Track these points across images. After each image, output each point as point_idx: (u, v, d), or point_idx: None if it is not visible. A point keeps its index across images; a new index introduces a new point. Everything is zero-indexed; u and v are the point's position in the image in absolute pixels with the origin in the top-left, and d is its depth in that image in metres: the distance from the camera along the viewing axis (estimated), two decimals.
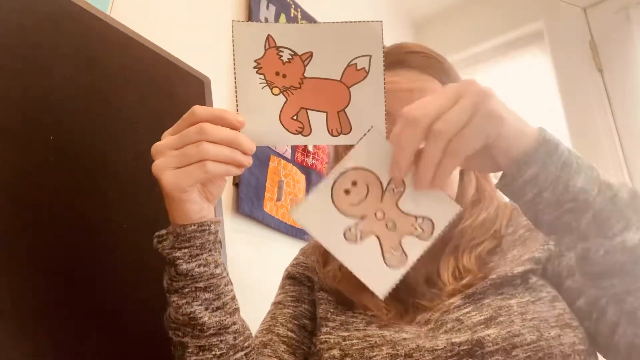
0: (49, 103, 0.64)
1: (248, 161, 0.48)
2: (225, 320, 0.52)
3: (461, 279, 0.58)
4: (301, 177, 1.44)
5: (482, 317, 0.52)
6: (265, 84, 0.48)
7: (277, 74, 0.48)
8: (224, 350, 0.52)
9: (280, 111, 0.48)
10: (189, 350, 0.51)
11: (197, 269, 0.50)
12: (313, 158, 1.51)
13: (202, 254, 0.51)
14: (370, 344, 0.54)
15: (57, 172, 0.61)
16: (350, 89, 0.48)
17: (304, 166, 1.47)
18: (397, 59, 0.65)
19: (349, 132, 0.49)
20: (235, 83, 0.48)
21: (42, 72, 0.64)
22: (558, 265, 0.58)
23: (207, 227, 0.51)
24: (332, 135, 0.49)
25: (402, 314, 0.59)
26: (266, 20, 1.43)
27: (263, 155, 1.31)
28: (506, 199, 0.68)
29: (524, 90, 2.09)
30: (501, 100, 0.44)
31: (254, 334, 0.67)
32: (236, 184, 1.22)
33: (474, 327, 0.52)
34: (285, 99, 0.48)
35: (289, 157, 1.41)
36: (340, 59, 0.48)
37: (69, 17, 0.71)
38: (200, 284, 0.51)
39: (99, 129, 0.70)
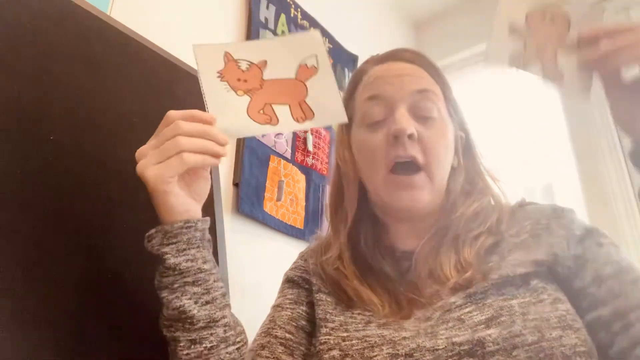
0: (49, 103, 0.64)
1: (223, 151, 0.53)
2: (214, 314, 0.54)
3: (463, 272, 0.58)
4: (301, 177, 1.44)
5: (483, 317, 0.52)
6: (230, 88, 0.55)
7: (239, 80, 0.55)
8: (215, 343, 0.53)
9: (247, 107, 0.55)
10: (181, 344, 0.52)
11: (184, 264, 0.52)
12: (313, 158, 1.51)
13: (189, 249, 0.53)
14: (370, 344, 0.55)
15: (57, 172, 0.61)
16: (306, 82, 0.56)
17: (304, 166, 1.47)
18: (388, 54, 0.72)
19: (312, 117, 0.56)
20: (203, 92, 0.54)
21: (42, 72, 0.64)
22: (580, 269, 0.57)
23: (194, 224, 0.54)
24: (297, 122, 0.56)
25: (396, 310, 0.59)
26: (266, 20, 1.43)
27: (263, 155, 1.31)
28: (505, 199, 0.69)
29: (524, 89, 2.09)
30: None
31: (254, 336, 0.67)
32: (236, 184, 1.22)
33: (475, 326, 0.52)
34: (250, 98, 0.55)
35: (289, 157, 1.41)
36: (291, 62, 0.56)
37: (69, 17, 0.71)
38: (189, 279, 0.53)
39: (99, 128, 0.70)
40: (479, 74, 2.25)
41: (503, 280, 0.55)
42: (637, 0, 1.86)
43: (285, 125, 0.55)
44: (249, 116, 0.54)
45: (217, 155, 0.53)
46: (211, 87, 0.54)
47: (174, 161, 0.51)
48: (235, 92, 0.55)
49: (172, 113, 0.53)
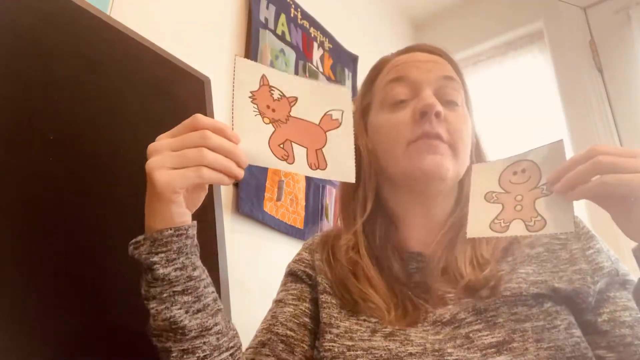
0: (49, 103, 0.64)
1: (241, 174, 0.51)
2: (206, 322, 0.52)
3: (480, 269, 0.57)
4: (301, 177, 1.44)
5: (494, 340, 0.51)
6: (258, 113, 0.54)
7: (268, 107, 0.55)
8: (208, 352, 0.52)
9: (270, 138, 0.54)
10: (173, 354, 0.51)
11: (173, 273, 0.50)
12: None
13: (179, 258, 0.50)
14: (375, 356, 0.54)
15: (57, 172, 0.61)
16: (327, 133, 0.57)
17: None
18: (411, 46, 0.72)
19: (325, 168, 0.56)
20: (233, 107, 0.53)
21: (42, 72, 0.64)
22: (598, 306, 0.56)
23: (185, 232, 0.51)
24: (311, 168, 0.56)
25: (402, 316, 0.58)
26: (266, 20, 1.43)
27: None
28: None
29: (524, 90, 2.09)
30: None
31: (255, 333, 0.67)
32: (236, 184, 1.22)
33: (485, 349, 0.51)
34: (273, 129, 0.54)
35: None
36: (319, 108, 0.57)
37: (69, 17, 0.71)
38: (178, 288, 0.50)
39: (99, 128, 0.70)
40: (479, 74, 2.25)
41: (515, 298, 0.54)
42: (637, 0, 1.86)
43: (298, 167, 0.55)
44: (270, 147, 0.54)
45: (234, 177, 0.51)
46: (241, 106, 0.54)
47: (192, 173, 0.47)
48: (262, 118, 0.54)
49: (201, 119, 0.50)
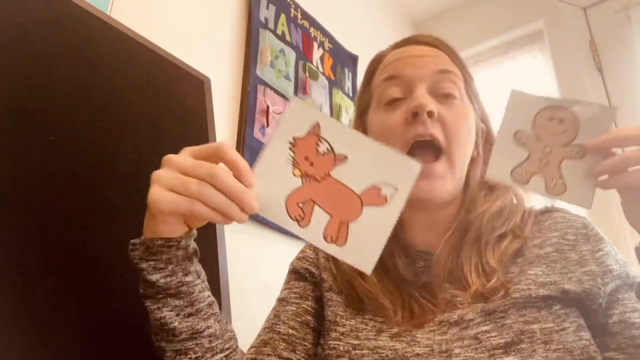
0: (49, 103, 0.64)
1: (243, 218, 0.47)
2: (197, 325, 0.52)
3: (486, 278, 0.56)
4: None
5: (502, 340, 0.51)
6: (291, 162, 0.49)
7: (307, 159, 0.49)
8: (200, 354, 0.52)
9: (291, 192, 0.49)
10: (167, 354, 0.52)
11: (162, 280, 0.50)
12: None
13: (167, 267, 0.50)
14: (381, 356, 0.54)
15: (57, 172, 0.61)
16: (364, 207, 0.48)
17: None
18: (407, 38, 0.70)
19: (342, 245, 0.48)
20: (266, 144, 0.49)
21: (42, 72, 0.64)
22: (608, 307, 0.56)
23: (175, 243, 0.50)
24: (324, 239, 0.48)
25: (409, 318, 0.58)
26: (266, 20, 1.43)
27: None
28: (527, 201, 0.66)
29: (524, 90, 2.09)
30: None
31: (257, 333, 0.67)
32: None
33: (492, 349, 0.50)
34: (300, 184, 0.49)
35: None
36: (369, 176, 0.49)
37: (69, 17, 0.71)
38: (171, 291, 0.51)
39: (99, 128, 0.70)
40: (479, 74, 2.26)
41: (524, 300, 0.54)
42: (637, 0, 1.86)
43: (309, 234, 0.48)
44: (285, 203, 0.48)
45: (231, 220, 0.47)
46: (276, 148, 0.49)
47: (184, 204, 0.45)
48: (293, 168, 0.49)
49: (223, 149, 0.47)
